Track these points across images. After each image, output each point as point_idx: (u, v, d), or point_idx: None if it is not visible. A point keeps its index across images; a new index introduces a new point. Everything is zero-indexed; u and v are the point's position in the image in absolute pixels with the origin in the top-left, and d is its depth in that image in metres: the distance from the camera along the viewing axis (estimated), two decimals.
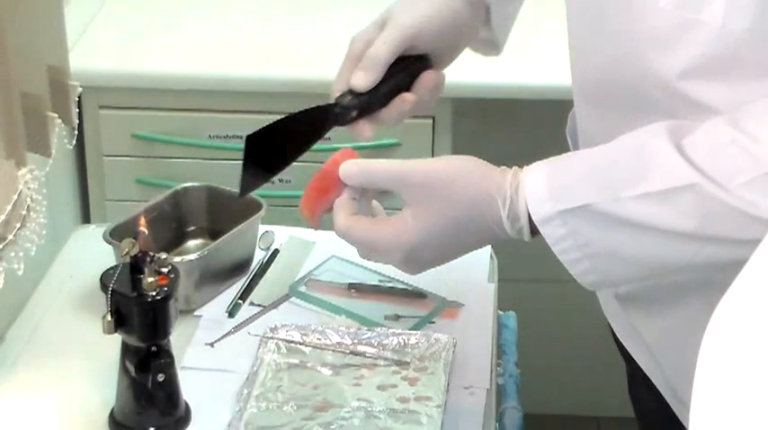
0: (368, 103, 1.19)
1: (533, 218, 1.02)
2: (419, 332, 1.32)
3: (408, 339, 1.31)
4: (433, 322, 1.36)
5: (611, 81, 1.07)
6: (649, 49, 1.01)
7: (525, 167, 1.04)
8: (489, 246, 1.52)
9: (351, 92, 1.20)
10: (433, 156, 1.92)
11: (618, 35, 1.04)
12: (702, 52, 0.97)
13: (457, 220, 1.05)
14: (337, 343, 1.31)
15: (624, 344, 1.23)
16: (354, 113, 1.20)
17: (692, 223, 0.96)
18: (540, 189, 1.02)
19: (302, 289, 1.42)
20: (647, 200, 0.97)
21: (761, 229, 0.94)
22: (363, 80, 1.18)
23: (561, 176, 1.02)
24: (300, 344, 1.31)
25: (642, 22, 1.01)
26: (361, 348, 1.31)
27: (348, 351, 1.30)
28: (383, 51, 1.18)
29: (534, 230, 1.03)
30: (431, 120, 1.91)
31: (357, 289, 1.42)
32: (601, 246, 1.00)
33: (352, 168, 1.10)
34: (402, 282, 1.41)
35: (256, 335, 1.33)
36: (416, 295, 1.41)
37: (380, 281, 1.43)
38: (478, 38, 1.27)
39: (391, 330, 1.32)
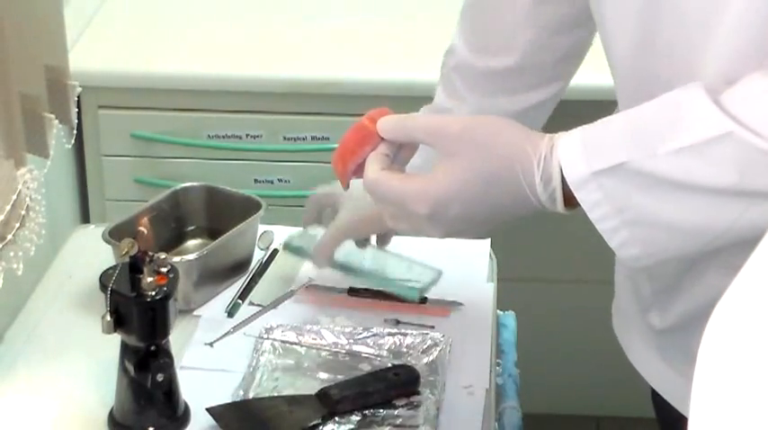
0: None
1: (568, 181, 0.97)
2: (414, 332, 1.32)
3: (404, 339, 1.31)
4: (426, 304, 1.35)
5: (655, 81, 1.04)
6: (692, 34, 0.98)
7: (560, 132, 1.01)
8: (489, 246, 1.52)
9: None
10: None
11: (662, 30, 1.01)
12: (735, 28, 0.95)
13: (489, 175, 1.00)
14: (333, 343, 1.31)
15: (657, 388, 1.22)
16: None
17: (732, 177, 0.93)
18: (574, 150, 0.98)
19: (297, 243, 1.41)
20: (683, 154, 0.94)
21: None
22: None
23: (595, 137, 0.98)
24: (296, 344, 1.31)
25: (677, 7, 0.99)
26: (356, 348, 1.31)
27: (344, 351, 1.30)
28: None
29: (568, 200, 0.99)
30: None
31: (357, 293, 1.42)
32: (639, 210, 0.96)
33: (390, 121, 1.06)
34: None
35: (252, 336, 1.33)
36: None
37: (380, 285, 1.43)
38: None
39: (387, 330, 1.33)
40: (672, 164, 0.94)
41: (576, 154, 0.98)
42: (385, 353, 1.30)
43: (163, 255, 1.17)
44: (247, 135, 1.93)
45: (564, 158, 0.98)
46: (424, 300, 1.40)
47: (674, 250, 1.00)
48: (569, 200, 0.99)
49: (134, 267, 1.15)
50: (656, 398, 1.29)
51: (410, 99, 1.91)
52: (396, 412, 1.21)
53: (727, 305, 0.56)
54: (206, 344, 1.34)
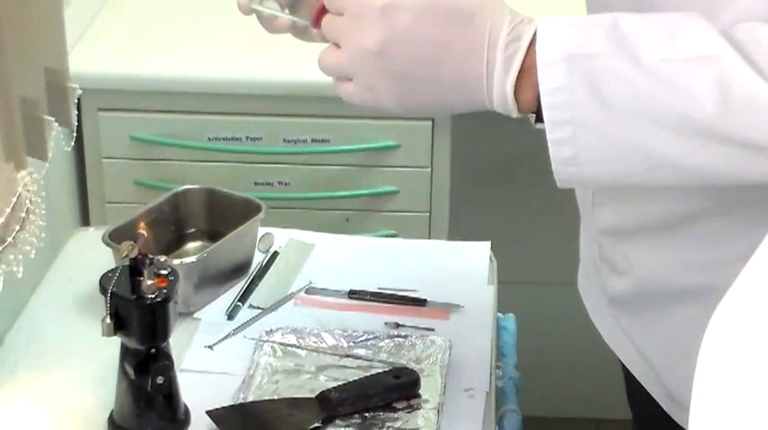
0: None
1: (539, 53, 0.90)
2: (415, 334, 1.32)
3: (404, 342, 1.31)
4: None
5: None
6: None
7: None
8: (489, 248, 1.52)
9: None
10: (432, 158, 1.92)
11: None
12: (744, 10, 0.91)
13: (460, 7, 0.92)
14: (333, 346, 1.31)
15: (614, 349, 1.23)
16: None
17: (707, 107, 0.87)
18: (558, 28, 0.91)
19: None
20: (665, 65, 0.88)
21: None
22: None
23: (584, 24, 0.91)
24: (296, 347, 1.31)
25: None
26: (356, 351, 1.31)
27: (344, 354, 1.30)
28: None
29: (519, 89, 0.92)
30: (430, 122, 1.91)
31: (357, 296, 1.42)
32: (595, 112, 0.89)
33: None
34: (402, 290, 1.42)
35: (252, 339, 1.33)
36: (417, 302, 1.40)
37: (381, 288, 1.43)
38: None
39: (387, 333, 1.33)
40: (650, 71, 0.88)
41: (558, 31, 0.91)
42: (385, 355, 1.30)
43: (163, 258, 1.17)
44: (247, 137, 1.93)
45: (544, 31, 0.91)
46: (424, 302, 1.40)
47: (605, 167, 0.93)
48: (520, 90, 0.92)
49: (134, 270, 1.15)
50: (630, 393, 1.29)
51: None
52: (396, 415, 1.21)
53: (728, 305, 0.56)
54: (206, 346, 1.34)
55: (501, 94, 0.93)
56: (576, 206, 1.24)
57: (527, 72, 0.92)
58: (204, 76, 1.92)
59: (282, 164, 1.94)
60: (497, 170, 2.31)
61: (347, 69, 0.98)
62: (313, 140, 1.93)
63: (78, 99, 1.42)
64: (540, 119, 0.93)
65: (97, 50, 1.96)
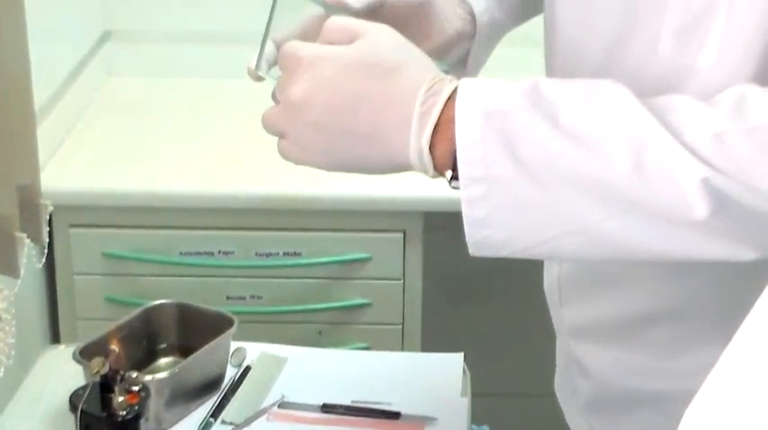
0: None
1: (457, 107, 0.89)
2: None
3: None
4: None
5: None
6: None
7: None
8: (462, 360, 1.52)
9: None
10: (404, 270, 1.92)
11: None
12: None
13: (381, 61, 0.92)
14: None
15: None
16: None
17: (621, 170, 0.85)
18: (479, 84, 0.91)
19: None
20: (581, 126, 0.87)
21: (686, 206, 0.84)
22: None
23: (505, 85, 0.90)
24: None
25: (640, 72, 0.95)
26: None
27: None
28: None
29: (436, 153, 0.90)
30: (401, 234, 1.92)
31: (331, 409, 1.41)
32: (509, 169, 0.88)
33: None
34: (376, 403, 1.41)
35: None
36: (391, 415, 1.40)
37: (354, 401, 1.42)
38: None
39: None
40: (566, 133, 0.87)
41: (479, 88, 0.90)
42: None
43: (134, 374, 1.16)
44: (219, 251, 1.93)
45: (465, 87, 0.90)
46: (397, 415, 1.39)
47: (517, 231, 0.90)
48: (436, 146, 0.90)
49: (105, 386, 1.14)
50: None
51: (382, 214, 1.93)
52: None
53: (699, 405, 0.56)
54: None
55: (417, 149, 0.91)
56: (548, 318, 1.25)
57: (444, 126, 0.90)
58: (175, 191, 1.93)
59: (254, 277, 1.94)
60: (469, 282, 2.31)
61: (281, 125, 0.98)
62: (285, 253, 1.93)
63: (50, 215, 1.43)
64: (456, 177, 0.91)
65: (69, 167, 1.97)
